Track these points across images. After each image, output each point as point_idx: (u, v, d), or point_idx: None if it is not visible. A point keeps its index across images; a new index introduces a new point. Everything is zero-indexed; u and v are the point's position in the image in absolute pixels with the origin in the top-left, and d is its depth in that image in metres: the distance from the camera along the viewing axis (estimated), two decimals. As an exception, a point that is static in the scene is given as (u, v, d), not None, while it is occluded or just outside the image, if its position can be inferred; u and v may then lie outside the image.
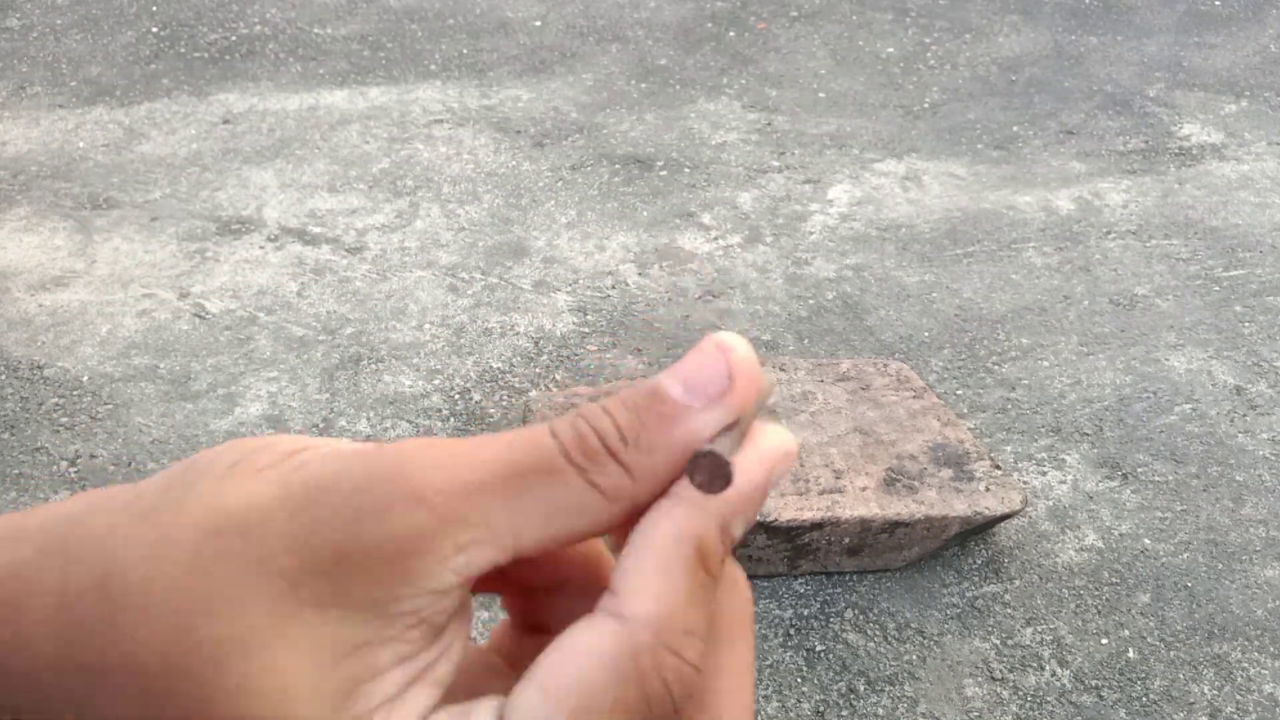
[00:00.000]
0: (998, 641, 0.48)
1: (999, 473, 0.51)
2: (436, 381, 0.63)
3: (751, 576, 0.48)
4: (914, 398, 0.52)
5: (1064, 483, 0.56)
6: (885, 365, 0.54)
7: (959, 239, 0.77)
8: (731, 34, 1.09)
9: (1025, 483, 0.56)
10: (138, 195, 0.84)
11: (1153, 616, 0.49)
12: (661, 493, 0.15)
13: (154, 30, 1.08)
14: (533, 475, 0.15)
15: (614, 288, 0.72)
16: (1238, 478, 0.56)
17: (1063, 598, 0.50)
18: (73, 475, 0.57)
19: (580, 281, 0.72)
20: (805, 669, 0.45)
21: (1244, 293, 0.72)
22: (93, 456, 0.58)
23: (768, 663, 0.46)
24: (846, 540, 0.48)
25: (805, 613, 0.48)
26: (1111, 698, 0.45)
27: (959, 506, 0.49)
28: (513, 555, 0.15)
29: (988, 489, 0.50)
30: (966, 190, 0.84)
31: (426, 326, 0.68)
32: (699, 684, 0.16)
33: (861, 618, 0.48)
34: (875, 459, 0.50)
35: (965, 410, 0.60)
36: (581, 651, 0.15)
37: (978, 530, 0.50)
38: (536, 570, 0.18)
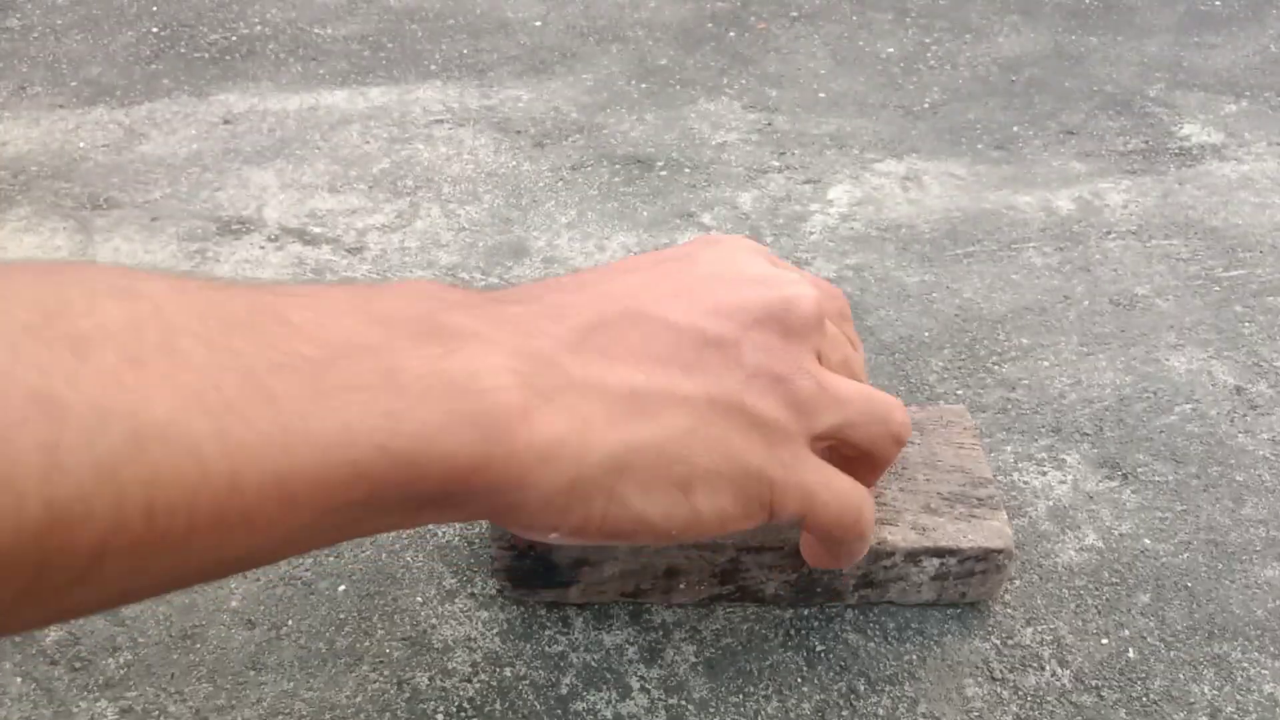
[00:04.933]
0: (998, 641, 0.48)
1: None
2: (437, 381, 0.63)
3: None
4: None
5: (1064, 483, 0.56)
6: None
7: (959, 239, 0.77)
8: (732, 34, 1.09)
9: (1025, 483, 0.56)
10: (138, 195, 0.84)
11: (1153, 616, 0.49)
12: None
13: (154, 30, 1.08)
14: None
15: (614, 288, 0.71)
16: (1238, 478, 0.56)
17: (1063, 598, 0.50)
18: (73, 475, 0.56)
19: (580, 281, 0.72)
20: (805, 669, 0.45)
21: (1244, 293, 0.72)
22: (93, 456, 0.58)
23: (768, 663, 0.46)
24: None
25: (805, 613, 0.48)
26: (1111, 698, 0.45)
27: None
28: None
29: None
30: (967, 190, 0.84)
31: (427, 326, 0.68)
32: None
33: (862, 618, 0.48)
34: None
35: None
36: None
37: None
38: None
